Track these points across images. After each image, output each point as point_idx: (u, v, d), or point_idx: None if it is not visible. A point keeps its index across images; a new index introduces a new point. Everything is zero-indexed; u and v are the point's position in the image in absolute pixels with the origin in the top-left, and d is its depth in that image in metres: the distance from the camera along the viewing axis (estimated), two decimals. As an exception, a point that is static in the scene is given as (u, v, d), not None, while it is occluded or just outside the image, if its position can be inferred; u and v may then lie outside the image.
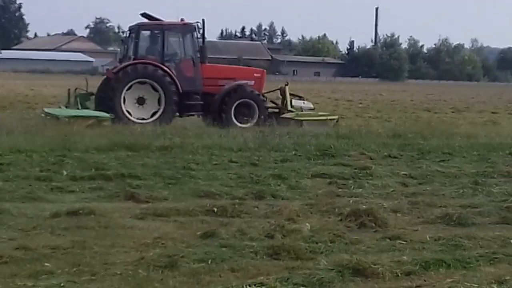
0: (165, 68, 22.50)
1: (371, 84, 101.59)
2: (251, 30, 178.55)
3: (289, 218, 9.04)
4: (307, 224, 8.75)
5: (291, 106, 23.69)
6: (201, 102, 22.97)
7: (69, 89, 23.52)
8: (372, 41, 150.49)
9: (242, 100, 22.91)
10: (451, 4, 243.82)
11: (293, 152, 15.56)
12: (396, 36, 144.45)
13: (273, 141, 16.82)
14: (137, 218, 9.26)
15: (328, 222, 9.10)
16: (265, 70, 25.17)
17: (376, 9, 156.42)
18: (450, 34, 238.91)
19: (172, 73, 22.56)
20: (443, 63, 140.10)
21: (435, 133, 19.39)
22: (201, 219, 9.15)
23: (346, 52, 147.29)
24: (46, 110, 22.24)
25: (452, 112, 37.14)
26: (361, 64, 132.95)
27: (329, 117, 23.01)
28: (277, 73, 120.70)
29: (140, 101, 22.53)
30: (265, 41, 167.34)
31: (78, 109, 21.81)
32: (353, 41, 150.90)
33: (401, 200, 10.74)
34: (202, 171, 13.02)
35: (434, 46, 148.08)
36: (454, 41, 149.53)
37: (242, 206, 9.92)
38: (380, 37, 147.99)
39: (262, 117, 22.72)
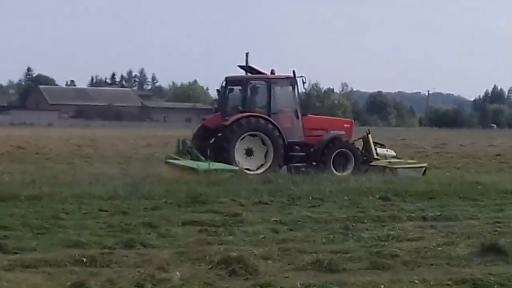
0: (274, 122, 23.93)
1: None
2: (121, 76, 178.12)
3: (159, 267, 9.02)
4: (177, 273, 8.76)
5: (377, 154, 25.25)
6: (303, 153, 24.41)
7: (178, 140, 24.49)
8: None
9: (339, 150, 24.43)
10: (321, 49, 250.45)
11: (164, 200, 15.58)
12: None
13: (144, 189, 16.78)
14: (5, 269, 9.08)
15: (199, 270, 9.15)
16: (353, 121, 27.68)
17: (246, 54, 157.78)
18: (320, 78, 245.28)
19: (279, 125, 23.96)
20: (314, 107, 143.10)
21: (305, 179, 19.78)
22: (70, 270, 9.06)
23: (217, 97, 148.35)
24: (178, 162, 22.32)
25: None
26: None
27: (420, 165, 25.08)
28: (148, 120, 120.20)
29: (249, 152, 23.96)
30: (136, 87, 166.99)
31: (192, 159, 22.64)
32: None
33: (272, 246, 10.90)
34: (71, 220, 12.93)
35: (304, 90, 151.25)
36: (324, 86, 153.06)
37: (112, 255, 9.85)
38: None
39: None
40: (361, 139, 25.77)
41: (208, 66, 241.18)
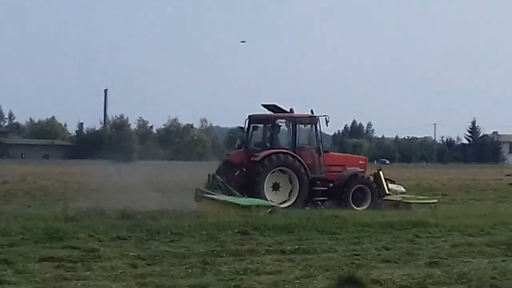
0: (300, 158, 25.70)
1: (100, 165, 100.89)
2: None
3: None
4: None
5: (388, 189, 27.15)
6: (325, 188, 26.23)
7: (208, 175, 25.16)
8: (101, 122, 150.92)
9: (358, 186, 26.38)
10: (180, 85, 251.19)
11: (20, 236, 15.17)
12: (125, 117, 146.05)
13: (0, 226, 16.31)
14: None
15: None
16: (367, 158, 29.82)
17: (105, 90, 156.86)
18: (179, 114, 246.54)
19: (304, 161, 25.71)
20: (173, 143, 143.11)
21: (164, 214, 19.73)
22: None
23: (75, 134, 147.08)
24: (219, 197, 23.04)
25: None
26: (90, 145, 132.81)
27: (431, 201, 26.78)
28: (6, 156, 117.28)
29: (275, 186, 25.69)
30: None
31: (227, 194, 23.54)
32: (82, 123, 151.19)
33: (130, 281, 10.88)
34: None
35: (163, 126, 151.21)
36: (183, 121, 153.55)
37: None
38: (110, 119, 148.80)
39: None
40: (373, 175, 27.42)
41: (66, 103, 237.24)
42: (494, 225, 18.57)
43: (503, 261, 13.15)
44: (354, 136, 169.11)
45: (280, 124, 26.84)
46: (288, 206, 24.53)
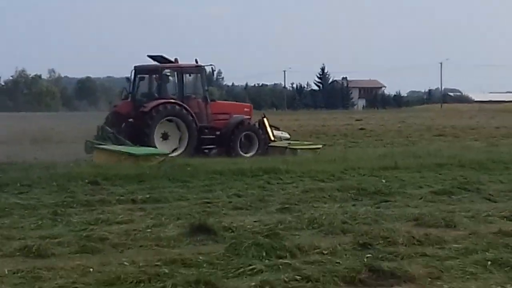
0: (188, 108, 26.15)
1: None
2: None
3: None
4: None
5: (273, 135, 27.84)
6: (213, 136, 26.79)
7: (98, 126, 25.72)
8: None
9: (245, 133, 27.04)
10: (27, 35, 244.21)
11: None
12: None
13: None
14: None
15: None
16: (252, 105, 30.37)
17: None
18: (27, 65, 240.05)
19: (191, 110, 26.18)
20: (21, 95, 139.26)
21: (12, 166, 19.29)
22: None
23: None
24: (112, 148, 23.14)
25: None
26: None
27: (316, 146, 27.79)
28: None
29: (165, 136, 26.03)
30: None
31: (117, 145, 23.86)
32: None
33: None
34: None
35: (11, 77, 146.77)
36: (31, 72, 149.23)
37: None
38: None
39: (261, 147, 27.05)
40: (257, 122, 27.88)
41: None
42: (345, 170, 19.09)
43: (353, 205, 13.53)
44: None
45: (167, 74, 27.21)
46: (178, 155, 24.92)
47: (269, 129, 27.94)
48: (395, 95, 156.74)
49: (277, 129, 29.12)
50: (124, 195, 14.86)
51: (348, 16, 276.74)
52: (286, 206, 13.36)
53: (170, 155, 23.78)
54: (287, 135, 29.32)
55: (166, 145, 25.74)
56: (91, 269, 8.46)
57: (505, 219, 11.87)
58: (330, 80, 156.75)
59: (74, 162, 20.55)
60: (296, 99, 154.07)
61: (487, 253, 9.11)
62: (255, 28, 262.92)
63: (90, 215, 12.48)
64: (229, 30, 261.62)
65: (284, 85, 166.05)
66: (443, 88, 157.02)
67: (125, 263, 8.78)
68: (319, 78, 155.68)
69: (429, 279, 8.02)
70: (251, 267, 8.44)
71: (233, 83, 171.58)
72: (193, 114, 26.29)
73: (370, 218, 11.78)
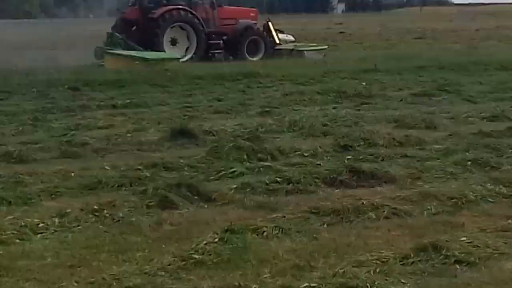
0: (195, 13, 26.22)
1: None
2: None
3: None
4: None
5: (279, 39, 27.87)
6: (220, 41, 26.81)
7: (107, 32, 25.92)
8: None
9: (252, 37, 27.11)
10: None
11: None
12: None
13: None
14: None
15: None
16: (257, 10, 30.25)
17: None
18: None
19: (199, 16, 26.32)
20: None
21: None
22: None
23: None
24: (124, 53, 23.32)
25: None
26: None
27: (322, 47, 28.09)
28: None
29: (173, 41, 26.13)
30: None
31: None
32: None
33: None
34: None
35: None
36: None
37: None
38: None
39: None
40: (262, 26, 27.99)
41: None
42: (325, 73, 19.04)
43: (334, 108, 13.52)
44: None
45: None
46: (188, 60, 25.07)
47: (274, 33, 28.04)
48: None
49: (282, 32, 29.22)
50: (105, 101, 14.78)
51: None
52: (267, 109, 13.34)
53: (182, 59, 24.22)
54: (292, 38, 29.44)
55: (174, 50, 25.78)
56: (73, 174, 8.42)
57: (484, 120, 11.91)
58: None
59: (54, 68, 20.32)
60: (275, 3, 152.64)
61: (467, 153, 9.14)
62: None
63: (71, 120, 12.43)
64: None
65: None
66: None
67: (107, 167, 8.75)
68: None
69: (410, 180, 8.04)
70: (232, 169, 8.44)
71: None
72: (201, 20, 26.39)
73: (350, 120, 11.80)
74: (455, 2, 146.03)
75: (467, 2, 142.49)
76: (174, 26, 26.09)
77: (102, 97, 15.33)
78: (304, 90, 16.06)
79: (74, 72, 19.44)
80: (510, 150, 9.31)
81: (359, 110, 13.19)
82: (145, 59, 21.85)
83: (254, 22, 28.22)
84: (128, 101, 14.65)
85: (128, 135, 10.95)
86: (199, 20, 26.36)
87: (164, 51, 25.09)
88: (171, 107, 14.04)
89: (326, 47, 28.71)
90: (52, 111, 13.50)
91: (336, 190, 7.75)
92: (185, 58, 25.19)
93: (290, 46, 27.71)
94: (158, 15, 25.87)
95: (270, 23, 28.14)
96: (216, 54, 26.67)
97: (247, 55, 26.87)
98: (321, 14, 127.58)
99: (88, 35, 45.66)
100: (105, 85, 17.00)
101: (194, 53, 26.13)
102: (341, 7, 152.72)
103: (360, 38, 43.02)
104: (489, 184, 7.71)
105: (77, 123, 12.02)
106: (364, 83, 16.98)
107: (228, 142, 9.69)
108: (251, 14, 28.85)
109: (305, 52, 26.60)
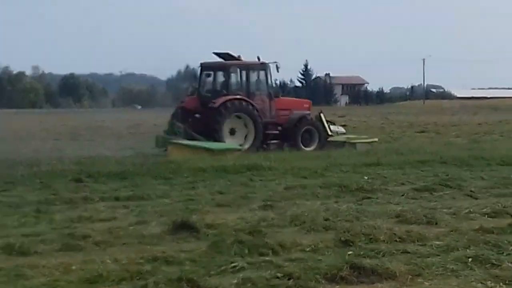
0: (253, 103, 27.20)
1: None
2: None
3: None
4: None
5: (330, 130, 28.90)
6: (277, 132, 28.01)
7: (168, 121, 27.50)
8: None
9: (306, 127, 28.12)
10: (10, 31, 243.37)
11: None
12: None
13: None
14: None
15: None
16: (311, 101, 31.13)
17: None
18: (10, 62, 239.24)
19: (257, 106, 27.24)
20: (5, 91, 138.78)
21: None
22: None
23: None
24: (188, 143, 24.41)
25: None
26: None
27: (372, 140, 28.61)
28: None
29: (232, 131, 27.03)
30: None
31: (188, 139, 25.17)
32: None
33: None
34: None
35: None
36: (15, 69, 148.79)
37: None
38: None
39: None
40: (315, 117, 28.94)
41: None
42: (327, 166, 19.14)
43: (335, 202, 13.52)
44: (188, 81, 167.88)
45: (234, 71, 28.14)
46: (246, 150, 25.67)
47: (326, 124, 28.85)
48: (378, 92, 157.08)
49: (333, 124, 30.13)
50: (107, 193, 14.85)
51: (331, 12, 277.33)
52: (269, 203, 13.37)
53: (244, 149, 25.08)
54: (343, 130, 30.44)
55: (233, 140, 26.68)
56: (74, 267, 8.44)
57: (486, 216, 11.91)
58: (313, 77, 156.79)
59: (58, 159, 20.50)
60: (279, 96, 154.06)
61: (468, 250, 9.15)
62: (237, 25, 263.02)
63: (73, 212, 12.46)
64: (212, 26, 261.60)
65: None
66: (425, 84, 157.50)
67: (108, 260, 8.77)
68: (302, 74, 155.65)
69: (410, 276, 8.05)
70: (233, 264, 8.45)
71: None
72: (259, 110, 27.22)
73: (352, 215, 11.81)
74: (458, 95, 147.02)
75: (469, 95, 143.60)
76: (233, 116, 26.94)
77: (105, 189, 15.43)
78: (306, 183, 16.12)
79: (77, 163, 19.61)
80: (511, 247, 9.33)
81: (360, 204, 13.22)
82: (210, 149, 22.77)
83: (308, 112, 29.04)
84: (131, 193, 14.74)
85: (130, 227, 10.97)
86: (257, 110, 27.25)
87: (224, 141, 25.80)
88: (173, 200, 14.09)
89: (376, 139, 29.26)
90: (55, 202, 13.56)
91: (337, 286, 7.76)
92: (245, 148, 25.96)
93: (342, 138, 28.58)
94: (219, 104, 26.64)
95: (322, 115, 29.09)
96: (271, 144, 27.58)
97: (301, 146, 27.71)
98: (325, 106, 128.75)
99: (93, 125, 46.08)
100: (108, 177, 17.12)
101: (252, 143, 27.02)
102: (344, 99, 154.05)
103: (362, 131, 43.32)
104: (489, 282, 7.72)
105: (80, 215, 12.05)
106: (366, 177, 17.07)
107: (229, 236, 9.74)
108: (305, 105, 29.83)
109: (357, 144, 27.04)
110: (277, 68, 28.18)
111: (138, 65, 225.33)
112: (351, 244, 9.59)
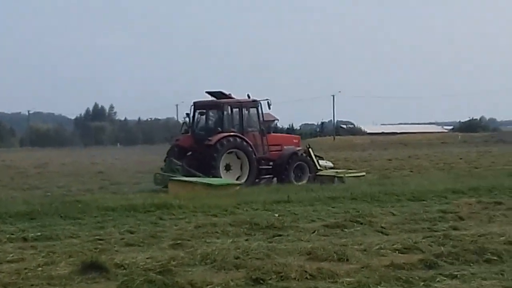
0: (247, 139, 28.44)
1: None
2: None
3: None
4: None
5: (319, 165, 29.98)
6: (269, 167, 29.19)
7: (165, 159, 28.66)
8: None
9: (298, 163, 29.24)
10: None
11: None
12: None
13: None
14: None
15: None
16: (299, 136, 33.76)
17: None
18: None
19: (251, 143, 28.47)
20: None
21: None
22: None
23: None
24: (189, 179, 25.13)
25: None
26: None
27: (360, 174, 29.74)
28: None
29: (227, 167, 28.14)
30: None
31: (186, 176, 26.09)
32: None
33: None
34: None
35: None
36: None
37: None
38: None
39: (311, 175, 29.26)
40: (303, 152, 29.93)
41: None
42: (238, 204, 19.23)
43: (246, 240, 13.62)
44: (97, 119, 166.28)
45: (228, 109, 29.16)
46: (242, 184, 26.33)
47: (314, 159, 29.91)
48: (288, 128, 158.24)
49: (322, 158, 31.21)
50: (15, 233, 14.63)
51: (241, 48, 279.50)
52: (179, 242, 13.40)
53: (242, 184, 25.88)
54: (331, 164, 31.59)
55: (229, 175, 27.67)
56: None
57: (397, 251, 12.15)
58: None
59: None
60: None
61: (379, 286, 9.35)
62: (145, 63, 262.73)
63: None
64: (122, 65, 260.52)
65: (177, 118, 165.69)
66: (335, 120, 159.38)
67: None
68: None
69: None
70: (143, 304, 8.45)
71: (125, 118, 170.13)
72: (252, 146, 28.56)
73: (262, 252, 11.91)
74: (368, 131, 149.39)
75: (379, 131, 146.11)
76: (229, 152, 28.05)
77: (13, 230, 15.17)
78: (217, 221, 16.18)
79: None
80: (422, 283, 9.57)
81: (271, 242, 13.35)
82: (211, 185, 23.52)
83: (299, 148, 30.16)
84: (39, 233, 14.53)
85: (38, 269, 10.84)
86: (251, 146, 28.49)
87: (220, 176, 26.87)
88: (82, 240, 13.97)
89: (364, 173, 30.33)
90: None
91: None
92: (241, 182, 26.70)
93: (331, 172, 29.60)
94: (215, 141, 27.83)
95: (311, 150, 30.17)
96: (262, 179, 28.65)
97: (293, 180, 28.64)
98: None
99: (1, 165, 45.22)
100: (16, 217, 16.86)
101: (247, 178, 27.97)
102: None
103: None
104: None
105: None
106: (276, 215, 17.24)
107: (139, 275, 9.73)
108: (294, 141, 31.28)
109: (344, 178, 28.10)
110: (269, 105, 29.43)
111: (46, 104, 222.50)
112: (262, 282, 9.70)
